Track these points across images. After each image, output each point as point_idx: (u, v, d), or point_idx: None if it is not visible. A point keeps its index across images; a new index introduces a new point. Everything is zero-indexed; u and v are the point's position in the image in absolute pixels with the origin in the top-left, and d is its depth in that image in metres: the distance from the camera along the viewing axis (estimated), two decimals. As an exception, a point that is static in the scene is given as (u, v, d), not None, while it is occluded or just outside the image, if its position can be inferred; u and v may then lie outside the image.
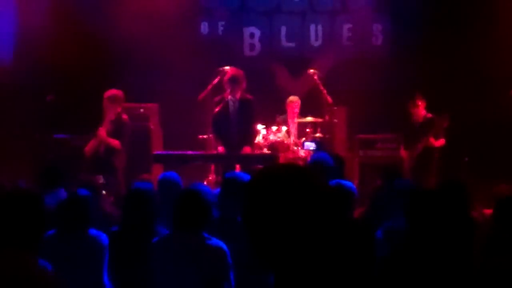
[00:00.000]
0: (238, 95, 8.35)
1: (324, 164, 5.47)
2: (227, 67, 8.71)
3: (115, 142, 8.55)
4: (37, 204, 2.86)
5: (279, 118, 9.65)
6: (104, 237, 4.21)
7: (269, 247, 1.61)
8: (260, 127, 9.08)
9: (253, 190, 1.65)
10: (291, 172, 1.65)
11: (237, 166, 8.32)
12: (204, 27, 11.02)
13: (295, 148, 9.35)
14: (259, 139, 9.10)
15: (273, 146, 9.20)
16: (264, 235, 1.60)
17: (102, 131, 8.34)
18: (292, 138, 9.42)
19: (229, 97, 8.33)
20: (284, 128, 9.36)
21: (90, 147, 8.39)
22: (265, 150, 9.09)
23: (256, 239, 1.62)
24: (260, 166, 9.02)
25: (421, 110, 9.15)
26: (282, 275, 1.62)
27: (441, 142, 9.12)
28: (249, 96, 8.46)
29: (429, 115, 9.12)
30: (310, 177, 1.64)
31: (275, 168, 1.72)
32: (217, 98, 8.44)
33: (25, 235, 2.79)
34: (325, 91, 9.22)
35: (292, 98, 9.67)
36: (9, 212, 2.80)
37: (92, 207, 4.37)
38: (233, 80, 8.27)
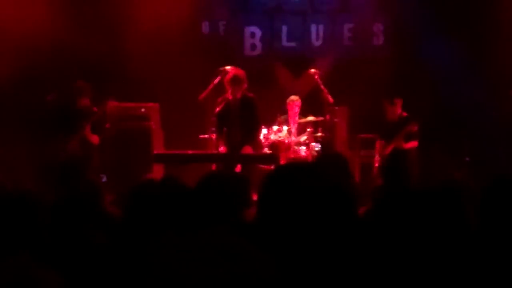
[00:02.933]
0: (239, 95, 8.34)
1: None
2: (228, 67, 8.71)
3: (94, 138, 8.62)
4: (34, 205, 2.86)
5: (280, 118, 9.65)
6: None
7: (279, 230, 1.68)
8: (260, 127, 9.10)
9: (271, 180, 1.74)
10: (306, 167, 1.76)
11: (238, 166, 8.33)
12: (205, 27, 11.02)
13: (296, 147, 9.35)
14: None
15: (274, 145, 9.21)
16: (276, 221, 1.68)
17: (87, 128, 8.50)
18: (293, 138, 9.43)
19: (230, 97, 8.33)
20: (285, 128, 9.37)
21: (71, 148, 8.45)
22: (266, 150, 9.10)
23: (268, 223, 1.70)
24: (262, 166, 9.05)
25: (397, 108, 9.07)
26: (284, 257, 1.67)
27: (412, 144, 8.95)
28: (249, 94, 8.46)
29: (405, 114, 9.05)
30: (322, 173, 1.72)
31: (292, 164, 1.85)
32: (220, 99, 8.43)
33: (22, 237, 2.79)
34: (326, 91, 9.21)
35: (293, 97, 9.67)
36: (5, 214, 2.80)
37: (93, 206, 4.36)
38: (234, 80, 8.27)
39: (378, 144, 9.27)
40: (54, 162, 7.82)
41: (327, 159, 7.34)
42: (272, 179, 1.74)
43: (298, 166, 1.78)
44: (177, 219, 4.05)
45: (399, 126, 8.93)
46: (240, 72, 8.40)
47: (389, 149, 8.91)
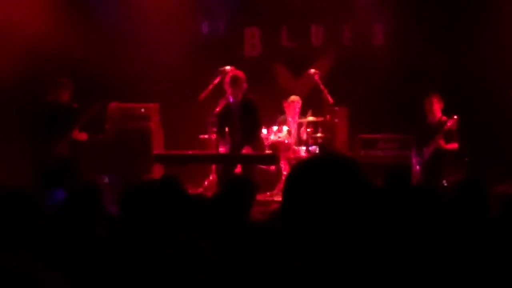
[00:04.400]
0: (239, 96, 8.30)
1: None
2: (228, 67, 8.69)
3: (82, 136, 8.57)
4: (30, 204, 2.86)
5: (280, 118, 9.65)
6: None
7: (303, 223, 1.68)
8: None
9: (298, 170, 1.74)
10: (331, 160, 1.75)
11: (238, 166, 8.31)
12: (205, 27, 11.03)
13: (296, 148, 9.35)
14: (260, 139, 9.12)
15: (274, 146, 9.21)
16: (301, 211, 1.68)
17: (75, 131, 8.43)
18: (293, 138, 9.43)
19: (231, 99, 8.30)
20: (285, 128, 9.36)
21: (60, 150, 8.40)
22: (266, 150, 9.10)
23: (292, 213, 1.70)
24: (261, 166, 9.05)
25: (437, 110, 8.85)
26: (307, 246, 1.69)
27: (453, 145, 8.75)
28: (250, 96, 8.44)
29: (444, 118, 8.81)
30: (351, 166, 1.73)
31: (320, 156, 1.82)
32: (221, 100, 8.41)
33: (19, 235, 2.79)
34: (326, 91, 9.21)
35: (293, 97, 9.67)
36: (5, 213, 2.80)
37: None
38: (233, 81, 8.24)
39: (414, 149, 9.11)
40: (44, 164, 7.78)
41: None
42: (300, 171, 1.74)
43: (327, 159, 1.77)
44: (176, 218, 4.05)
45: (439, 127, 8.73)
46: (239, 73, 8.36)
47: (429, 151, 8.79)
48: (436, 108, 8.86)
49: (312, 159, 1.78)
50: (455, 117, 8.70)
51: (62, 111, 8.50)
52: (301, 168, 1.74)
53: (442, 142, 8.72)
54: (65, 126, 8.45)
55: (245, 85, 8.30)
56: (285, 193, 1.72)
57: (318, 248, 1.67)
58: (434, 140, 8.72)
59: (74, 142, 8.54)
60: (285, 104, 9.67)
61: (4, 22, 9.31)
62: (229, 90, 8.27)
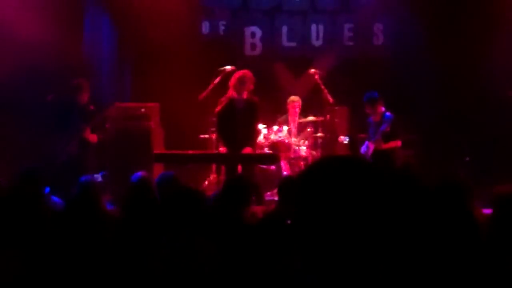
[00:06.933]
0: (244, 96, 8.32)
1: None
2: (228, 67, 8.70)
3: (93, 137, 8.60)
4: (36, 205, 2.87)
5: (280, 118, 9.65)
6: None
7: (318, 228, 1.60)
8: (261, 126, 9.09)
9: (312, 173, 1.65)
10: (347, 161, 1.66)
11: (239, 166, 8.31)
12: (205, 27, 11.03)
13: (296, 147, 9.35)
14: (260, 138, 9.11)
15: (274, 145, 9.21)
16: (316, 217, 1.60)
17: (87, 131, 8.45)
18: (293, 138, 9.43)
19: (236, 97, 8.30)
20: (285, 128, 9.37)
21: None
22: (266, 150, 9.10)
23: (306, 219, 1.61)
24: (262, 166, 9.05)
25: (378, 108, 8.66)
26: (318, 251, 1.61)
27: (393, 143, 8.62)
28: (254, 98, 8.44)
29: (388, 112, 8.64)
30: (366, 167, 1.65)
31: (333, 157, 1.73)
32: (222, 99, 8.41)
33: (23, 235, 2.80)
34: (326, 91, 9.21)
35: (293, 97, 9.68)
36: (8, 213, 2.81)
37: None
38: (242, 80, 8.25)
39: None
40: (53, 162, 7.81)
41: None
42: (315, 172, 1.64)
43: (346, 159, 1.66)
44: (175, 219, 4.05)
45: (380, 125, 8.63)
46: (248, 73, 8.37)
47: (371, 150, 8.75)
48: (377, 106, 8.68)
49: (326, 161, 1.68)
50: (390, 117, 8.64)
51: (79, 111, 8.57)
52: (316, 171, 1.64)
53: (381, 143, 8.62)
54: (79, 125, 8.51)
55: (252, 85, 8.32)
56: (299, 199, 1.62)
57: (334, 257, 1.58)
58: (373, 141, 8.65)
59: (85, 142, 8.57)
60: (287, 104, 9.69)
61: (5, 21, 9.32)
62: (236, 88, 8.26)
